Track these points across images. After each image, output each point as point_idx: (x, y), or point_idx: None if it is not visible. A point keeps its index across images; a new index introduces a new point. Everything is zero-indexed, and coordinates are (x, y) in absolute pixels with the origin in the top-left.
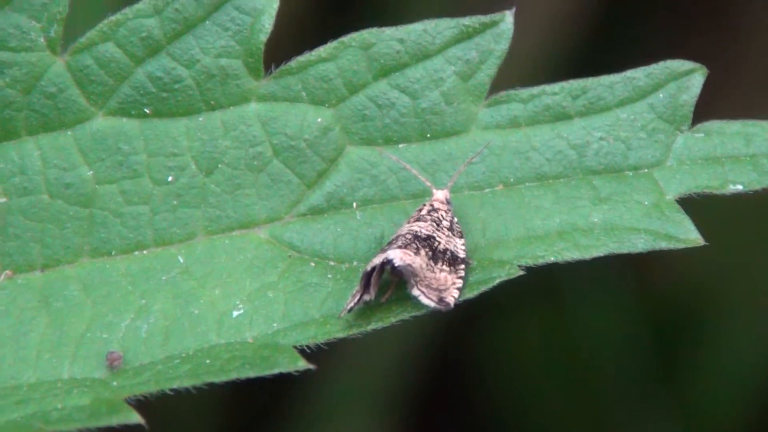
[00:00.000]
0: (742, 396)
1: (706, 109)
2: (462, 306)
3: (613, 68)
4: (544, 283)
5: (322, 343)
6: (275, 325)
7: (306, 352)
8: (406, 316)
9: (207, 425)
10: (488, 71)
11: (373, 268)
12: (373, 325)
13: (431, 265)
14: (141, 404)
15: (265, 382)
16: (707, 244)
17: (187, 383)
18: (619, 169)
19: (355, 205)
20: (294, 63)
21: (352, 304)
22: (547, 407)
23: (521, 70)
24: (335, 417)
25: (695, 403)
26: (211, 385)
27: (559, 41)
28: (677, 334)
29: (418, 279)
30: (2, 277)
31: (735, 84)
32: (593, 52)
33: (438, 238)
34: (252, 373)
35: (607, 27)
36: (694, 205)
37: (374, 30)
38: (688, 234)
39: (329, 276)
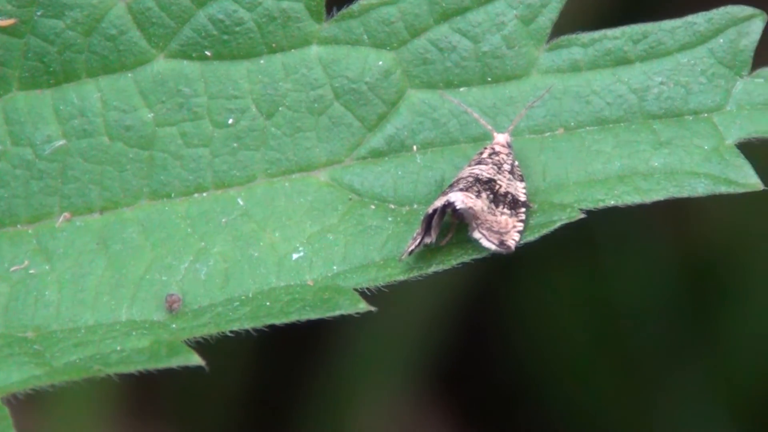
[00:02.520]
0: None
1: (766, 54)
2: (492, 262)
3: (672, 13)
4: (574, 238)
5: (382, 286)
6: (335, 267)
7: (366, 295)
8: (466, 258)
9: (236, 384)
10: (550, 15)
11: (435, 211)
12: (434, 268)
13: (492, 208)
14: (200, 347)
15: (290, 347)
16: (766, 188)
17: (247, 325)
18: (679, 114)
19: (415, 148)
20: (356, 6)
21: (412, 247)
22: (578, 362)
23: (580, 13)
24: (363, 379)
25: (730, 355)
26: (272, 327)
27: None
28: (712, 286)
29: (479, 222)
30: (61, 219)
31: None
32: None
33: (499, 182)
34: (313, 315)
35: None
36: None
37: None
38: (747, 178)
39: (389, 219)
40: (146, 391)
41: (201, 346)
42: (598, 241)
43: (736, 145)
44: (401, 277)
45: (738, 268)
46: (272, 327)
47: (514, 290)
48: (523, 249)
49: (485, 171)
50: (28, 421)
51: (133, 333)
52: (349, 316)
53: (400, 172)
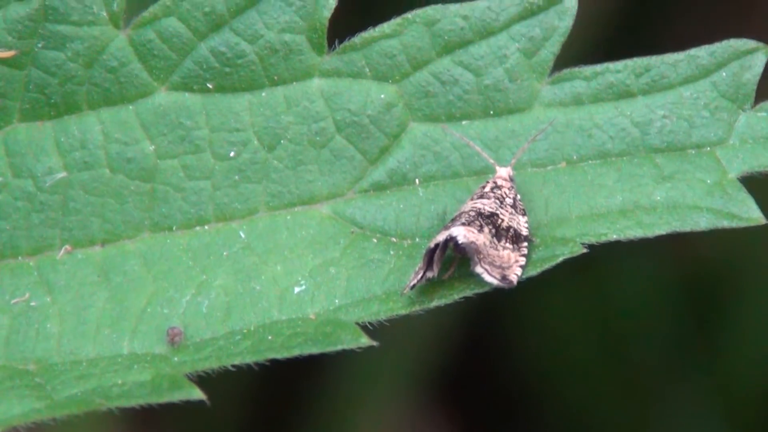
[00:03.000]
0: None
1: None
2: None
3: (674, 47)
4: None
5: (384, 320)
6: (337, 301)
7: (368, 329)
8: (468, 293)
9: (237, 397)
10: (552, 48)
11: (437, 245)
12: (436, 302)
13: (494, 243)
14: (202, 380)
15: (296, 361)
16: None
17: (249, 359)
18: (681, 148)
19: (417, 181)
20: (358, 39)
21: (414, 281)
22: (577, 375)
23: (582, 47)
24: (366, 396)
25: (729, 368)
26: (273, 361)
27: (617, 19)
28: (711, 300)
29: (481, 256)
30: (62, 252)
31: None
32: (651, 31)
33: (501, 216)
34: (315, 350)
35: (666, 4)
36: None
37: (438, 6)
38: (750, 213)
39: (391, 252)
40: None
41: None
42: (597, 255)
43: (738, 179)
44: (403, 311)
45: (737, 283)
46: None
47: (515, 302)
48: None
49: (487, 205)
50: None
51: (135, 366)
52: None
53: (402, 206)
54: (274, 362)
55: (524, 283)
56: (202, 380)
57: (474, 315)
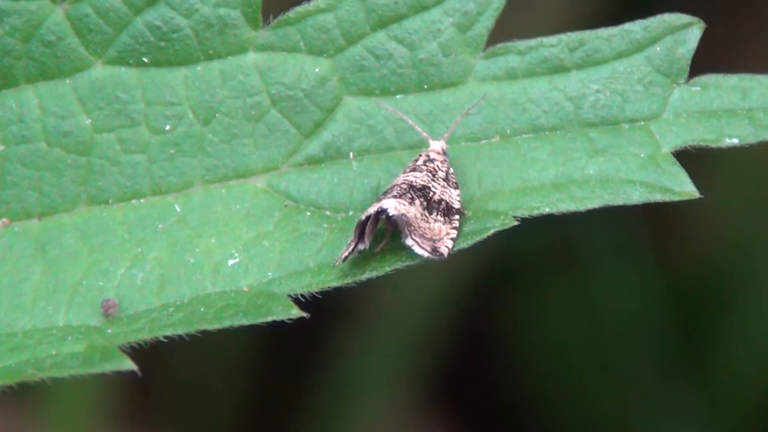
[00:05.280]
0: (765, 365)
1: (707, 64)
2: (481, 282)
3: (611, 21)
4: (564, 257)
5: (316, 292)
6: (270, 273)
7: (301, 301)
8: (400, 265)
9: (234, 391)
10: (486, 23)
11: (368, 218)
12: (368, 274)
13: (426, 216)
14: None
15: (289, 354)
16: (702, 197)
17: (180, 330)
18: (615, 122)
19: (351, 155)
20: (292, 13)
21: (346, 253)
22: (570, 380)
23: (519, 22)
24: (361, 387)
25: (717, 373)
26: (205, 332)
27: None
28: (698, 304)
29: (412, 229)
30: None
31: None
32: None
33: (433, 189)
34: (245, 321)
35: None
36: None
37: None
38: (683, 186)
39: (325, 225)
40: (143, 397)
41: (200, 350)
42: (583, 257)
43: (672, 153)
44: (335, 284)
45: (725, 290)
46: (272, 334)
47: (511, 303)
48: (519, 262)
49: (419, 178)
50: (20, 422)
51: (69, 338)
52: (350, 324)
53: (336, 179)
54: (273, 355)
55: (521, 281)
56: (205, 376)
57: (470, 312)
